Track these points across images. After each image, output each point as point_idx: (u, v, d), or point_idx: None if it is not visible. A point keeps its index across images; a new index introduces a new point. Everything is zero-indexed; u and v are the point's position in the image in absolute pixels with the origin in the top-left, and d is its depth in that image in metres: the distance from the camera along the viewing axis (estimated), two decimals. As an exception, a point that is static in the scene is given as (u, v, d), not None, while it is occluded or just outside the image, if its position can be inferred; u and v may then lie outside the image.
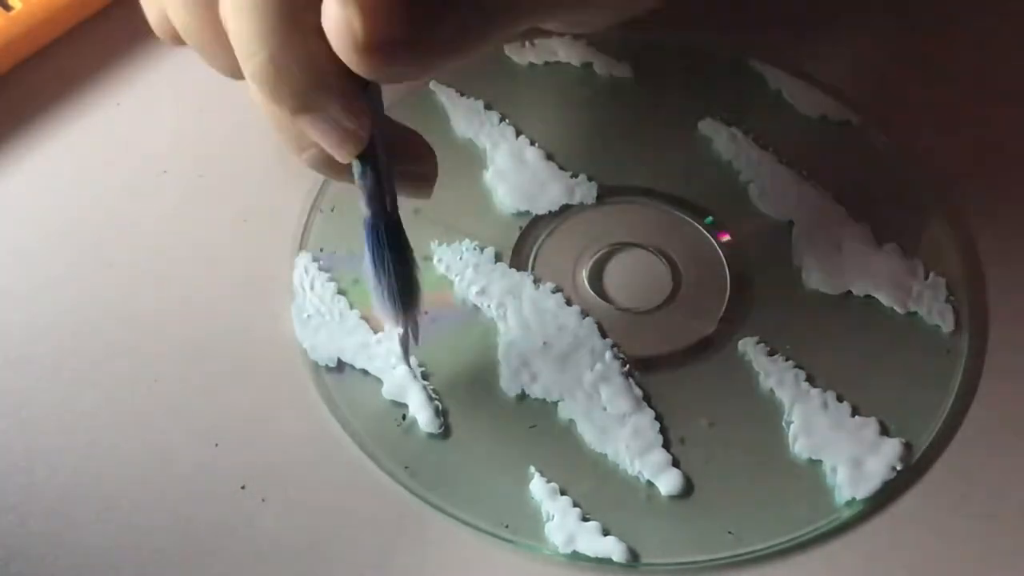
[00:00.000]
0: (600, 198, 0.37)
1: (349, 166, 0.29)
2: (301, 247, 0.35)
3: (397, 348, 0.32)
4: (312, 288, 0.34)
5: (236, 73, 0.27)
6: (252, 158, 0.37)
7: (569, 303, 0.35)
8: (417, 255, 0.35)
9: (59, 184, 0.36)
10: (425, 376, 0.33)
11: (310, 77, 0.26)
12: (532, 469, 0.32)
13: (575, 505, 0.31)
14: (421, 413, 0.32)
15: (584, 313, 0.34)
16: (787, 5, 0.42)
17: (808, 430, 0.32)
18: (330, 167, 0.29)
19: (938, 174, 0.38)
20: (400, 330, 0.31)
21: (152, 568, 0.30)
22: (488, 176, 0.37)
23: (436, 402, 0.33)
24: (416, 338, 0.32)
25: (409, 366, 0.33)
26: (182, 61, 0.39)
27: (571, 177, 0.37)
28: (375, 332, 0.34)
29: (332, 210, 0.36)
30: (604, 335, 0.34)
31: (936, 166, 0.38)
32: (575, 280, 0.35)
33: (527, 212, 0.36)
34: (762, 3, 0.42)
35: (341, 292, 0.34)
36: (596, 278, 0.36)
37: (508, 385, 0.33)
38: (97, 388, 0.33)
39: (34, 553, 0.30)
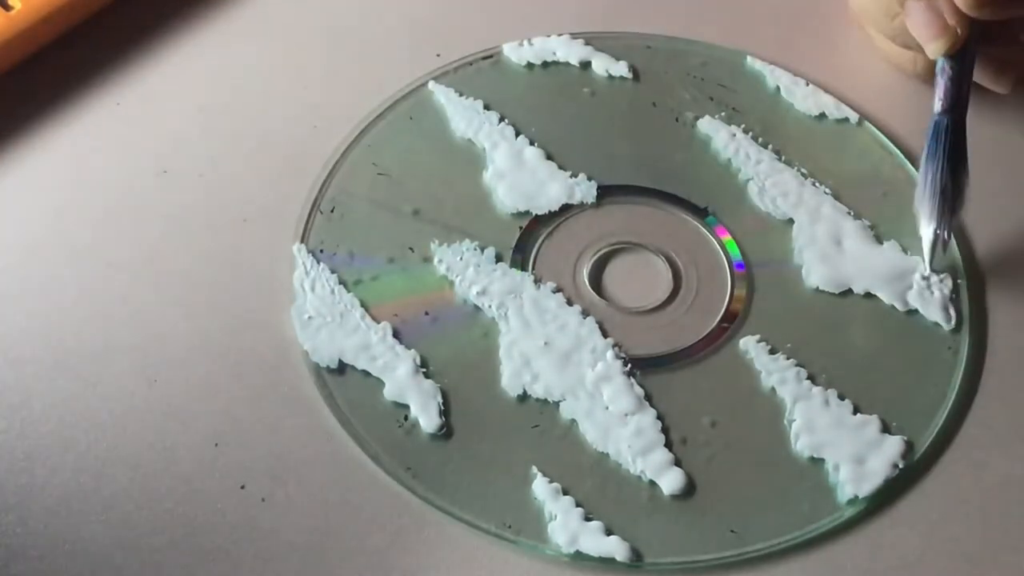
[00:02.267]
0: (600, 198, 0.37)
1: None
2: (301, 247, 0.35)
3: (924, 248, 0.34)
4: (313, 289, 0.34)
5: None
6: (252, 158, 0.37)
7: (570, 303, 0.35)
8: (417, 256, 0.35)
9: (59, 184, 0.36)
10: (427, 376, 0.33)
11: None
12: (534, 469, 0.32)
13: (578, 505, 0.31)
14: (423, 414, 0.32)
15: (585, 313, 0.34)
16: (787, 4, 0.42)
17: (810, 428, 0.33)
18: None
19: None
20: (933, 229, 0.34)
21: (152, 568, 0.30)
22: (488, 176, 0.37)
23: (438, 403, 0.33)
24: (945, 245, 0.34)
25: (930, 268, 0.34)
26: (182, 61, 0.39)
27: (571, 177, 0.37)
28: (377, 322, 0.34)
29: (332, 211, 0.36)
30: (605, 335, 0.34)
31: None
32: (576, 280, 0.35)
33: (527, 212, 0.36)
34: (762, 1, 0.42)
35: (342, 293, 0.34)
36: (596, 278, 0.36)
37: (510, 385, 0.33)
38: (97, 388, 0.32)
39: (34, 553, 0.30)
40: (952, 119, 0.33)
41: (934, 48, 0.32)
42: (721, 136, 0.38)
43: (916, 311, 0.35)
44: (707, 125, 0.39)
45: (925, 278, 0.35)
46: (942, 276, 0.36)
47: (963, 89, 0.33)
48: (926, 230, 0.34)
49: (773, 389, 0.33)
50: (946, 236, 0.34)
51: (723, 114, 0.39)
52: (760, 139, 0.38)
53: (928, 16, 0.32)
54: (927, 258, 0.35)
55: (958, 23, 0.32)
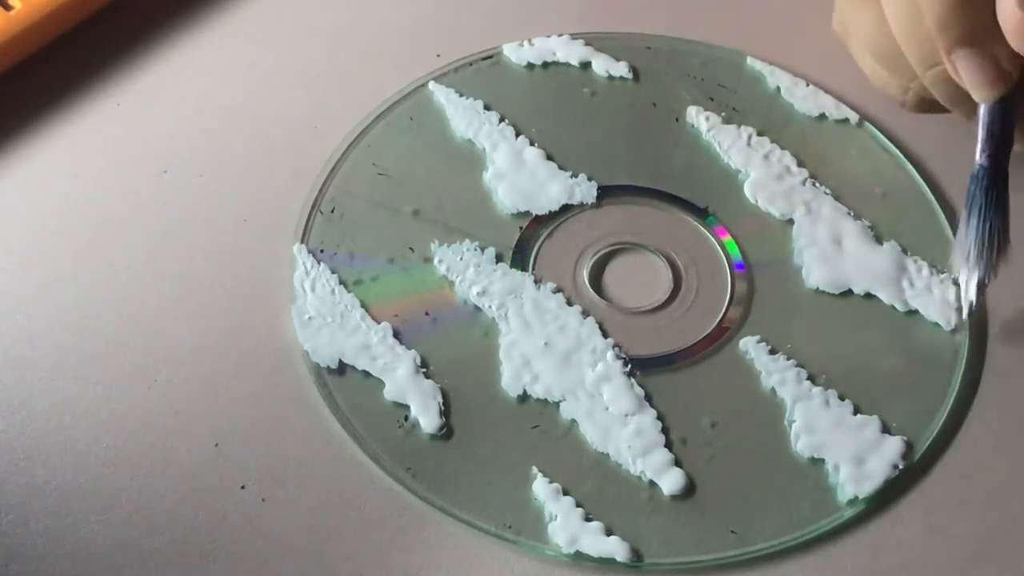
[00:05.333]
0: (600, 198, 0.37)
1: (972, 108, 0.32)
2: (301, 248, 0.35)
3: (966, 294, 0.34)
4: (313, 289, 0.34)
5: None
6: (252, 158, 0.37)
7: (570, 303, 0.35)
8: (417, 256, 0.35)
9: (59, 184, 0.36)
10: (427, 377, 0.33)
11: (987, 17, 0.29)
12: (534, 470, 0.32)
13: (578, 505, 0.31)
14: (423, 414, 0.32)
15: (585, 313, 0.34)
16: (787, 4, 0.42)
17: (810, 429, 0.33)
18: (934, 106, 0.34)
19: (938, 173, 0.38)
20: (980, 277, 0.33)
21: (152, 568, 0.30)
22: (488, 176, 0.37)
23: (438, 403, 0.33)
24: (982, 293, 0.34)
25: (968, 313, 0.34)
26: (182, 61, 0.39)
27: (571, 177, 0.37)
28: (378, 322, 0.34)
29: (332, 211, 0.36)
30: (605, 335, 0.34)
31: (936, 165, 0.38)
32: (576, 280, 0.35)
33: (527, 212, 0.36)
34: (763, 2, 0.42)
35: (342, 293, 0.34)
36: (597, 278, 0.36)
37: (510, 386, 0.33)
38: (97, 388, 0.32)
39: (34, 553, 0.30)
40: (999, 166, 0.32)
41: (989, 94, 0.31)
42: (721, 136, 0.38)
43: (916, 311, 0.35)
44: (705, 124, 0.39)
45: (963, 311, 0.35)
46: (942, 277, 0.36)
47: (1008, 135, 0.32)
48: (971, 278, 0.33)
49: (773, 389, 0.33)
50: (984, 284, 0.33)
51: (724, 115, 0.39)
52: (760, 139, 0.38)
53: (982, 62, 0.30)
54: (968, 304, 0.34)
55: (1014, 67, 0.31)
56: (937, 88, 0.33)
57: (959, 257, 0.33)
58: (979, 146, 0.32)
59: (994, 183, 0.32)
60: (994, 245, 0.33)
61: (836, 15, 0.37)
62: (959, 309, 0.35)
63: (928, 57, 0.32)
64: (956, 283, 0.35)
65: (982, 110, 0.32)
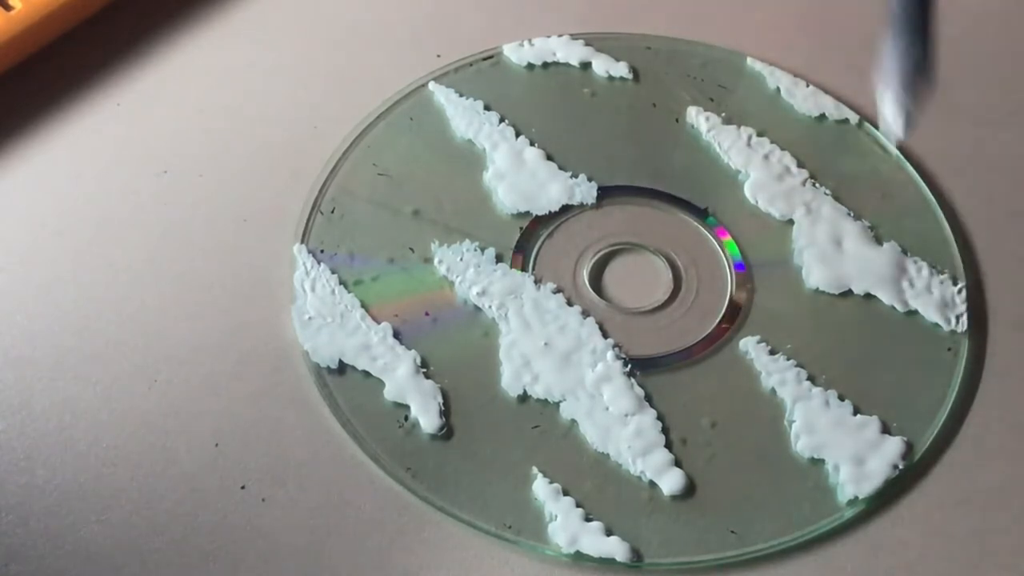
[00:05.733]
0: (600, 198, 0.37)
1: None
2: (301, 248, 0.35)
3: (891, 124, 0.32)
4: (313, 290, 0.34)
5: None
6: (252, 158, 0.37)
7: (570, 303, 0.35)
8: (417, 256, 0.35)
9: (59, 184, 0.36)
10: (427, 377, 0.33)
11: None
12: (534, 470, 0.32)
13: (578, 505, 0.31)
14: (423, 414, 0.32)
15: (585, 313, 0.34)
16: (787, 4, 0.42)
17: (810, 429, 0.33)
18: None
19: (938, 173, 0.38)
20: (896, 108, 0.32)
21: (152, 568, 0.30)
22: (488, 177, 0.37)
23: (438, 403, 0.33)
24: (908, 125, 0.32)
25: (901, 137, 0.33)
26: (182, 61, 0.39)
27: (571, 177, 0.37)
28: (378, 323, 0.34)
29: (332, 211, 0.36)
30: (605, 335, 0.34)
31: (936, 165, 0.38)
32: (576, 280, 0.35)
33: (527, 212, 0.36)
34: (763, 2, 0.42)
35: (342, 293, 0.34)
36: (597, 278, 0.36)
37: (510, 386, 0.33)
38: (97, 388, 0.32)
39: (34, 553, 0.30)
40: None
41: None
42: (721, 136, 0.38)
43: (916, 312, 0.35)
44: (705, 124, 0.39)
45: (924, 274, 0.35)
46: (942, 278, 0.36)
47: None
48: (896, 107, 0.32)
49: (773, 390, 0.33)
50: (911, 107, 0.32)
51: (724, 115, 0.39)
52: (760, 140, 0.38)
53: None
54: (893, 136, 0.33)
55: None
56: None
57: (881, 82, 0.32)
58: None
59: (922, 5, 0.31)
60: (917, 69, 0.31)
61: None
62: (896, 133, 0.33)
63: None
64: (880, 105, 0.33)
65: None
